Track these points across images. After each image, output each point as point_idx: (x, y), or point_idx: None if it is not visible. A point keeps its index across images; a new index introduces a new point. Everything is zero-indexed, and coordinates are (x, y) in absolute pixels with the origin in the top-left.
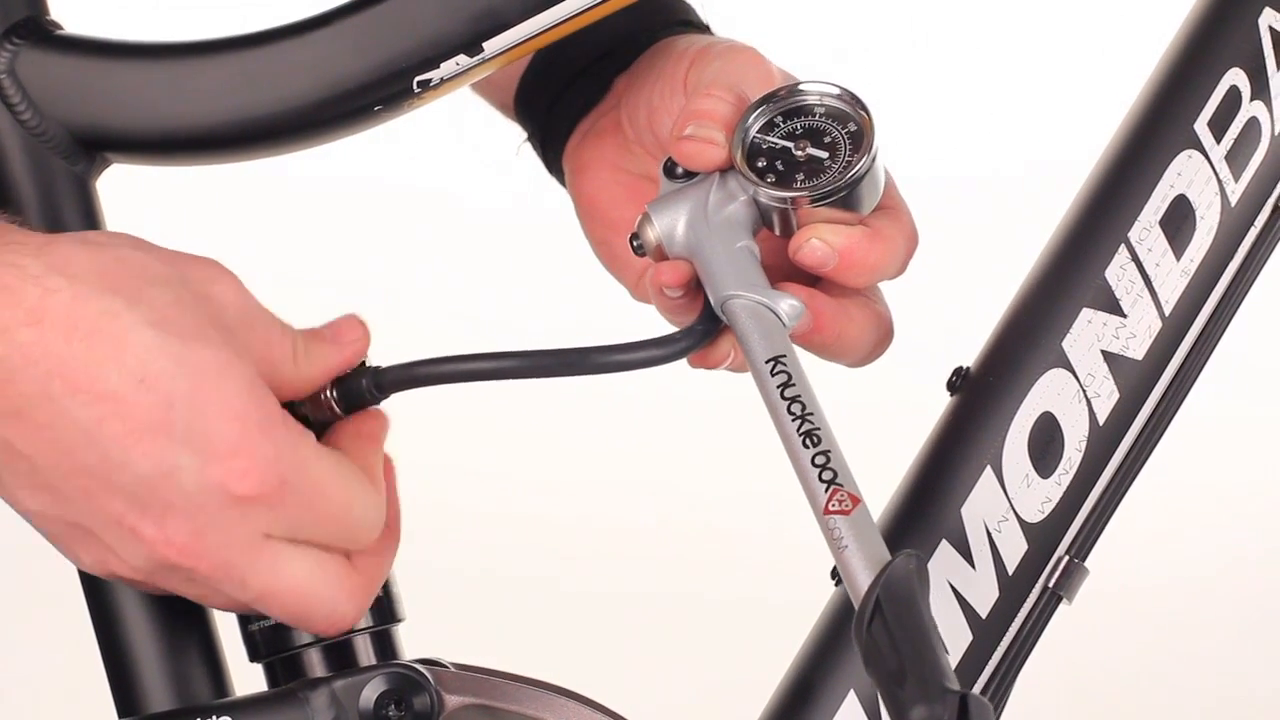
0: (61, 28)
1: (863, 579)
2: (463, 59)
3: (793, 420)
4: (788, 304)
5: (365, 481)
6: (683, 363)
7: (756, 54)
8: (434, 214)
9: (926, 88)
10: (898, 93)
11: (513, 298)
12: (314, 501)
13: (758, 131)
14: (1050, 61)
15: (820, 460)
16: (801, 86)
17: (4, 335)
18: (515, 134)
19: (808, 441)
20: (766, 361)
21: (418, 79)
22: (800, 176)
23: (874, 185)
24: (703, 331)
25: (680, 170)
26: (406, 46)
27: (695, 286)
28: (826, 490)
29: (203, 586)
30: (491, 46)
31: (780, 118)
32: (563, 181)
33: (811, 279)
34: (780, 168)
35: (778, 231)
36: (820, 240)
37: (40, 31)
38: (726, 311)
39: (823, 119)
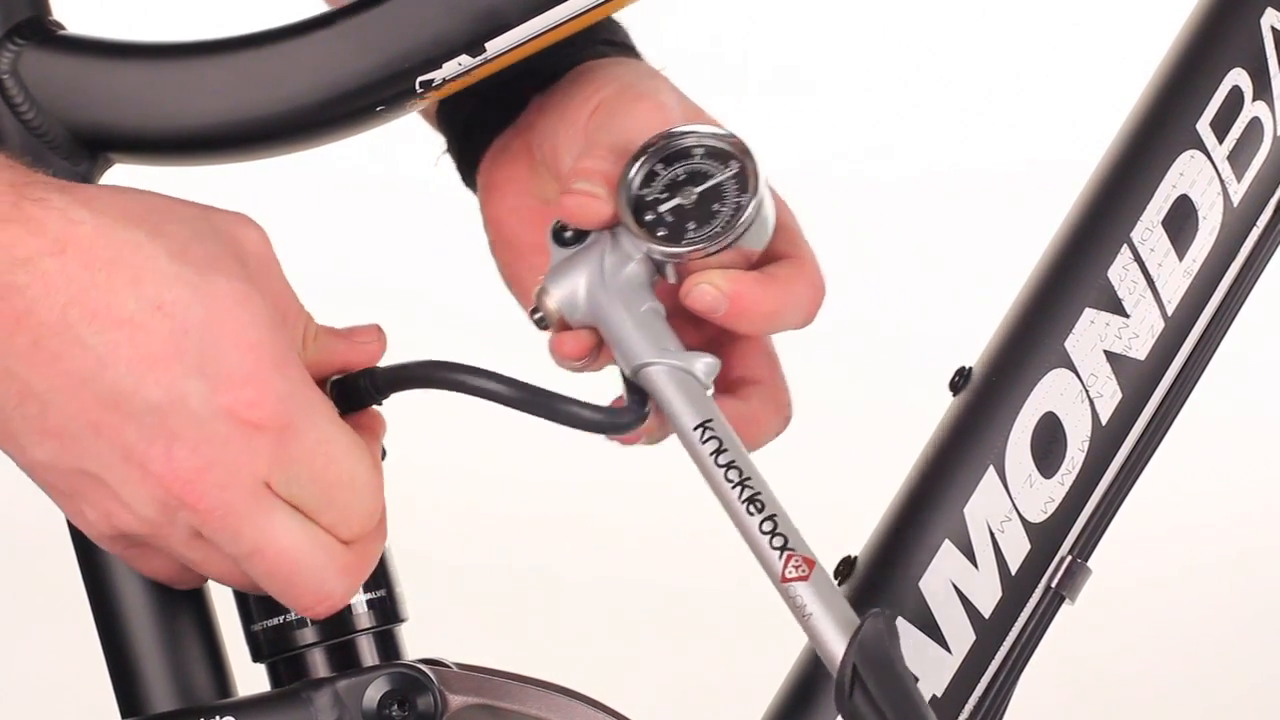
0: (64, 28)
1: (835, 645)
2: (465, 59)
3: (732, 487)
4: (703, 363)
5: (373, 463)
6: None
7: (660, 103)
8: (442, 212)
9: (929, 87)
10: (902, 92)
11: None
12: (317, 458)
13: (640, 185)
14: (1053, 61)
15: (768, 527)
16: (676, 130)
17: (28, 264)
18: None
19: (751, 508)
20: (695, 428)
21: (420, 79)
22: (691, 225)
23: (762, 225)
24: (640, 403)
25: (569, 234)
26: (409, 47)
27: (598, 351)
28: (781, 557)
29: (200, 547)
30: (494, 47)
31: (660, 166)
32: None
33: (712, 336)
34: (670, 219)
35: (671, 280)
36: (710, 285)
37: (43, 32)
38: (642, 379)
39: (703, 160)
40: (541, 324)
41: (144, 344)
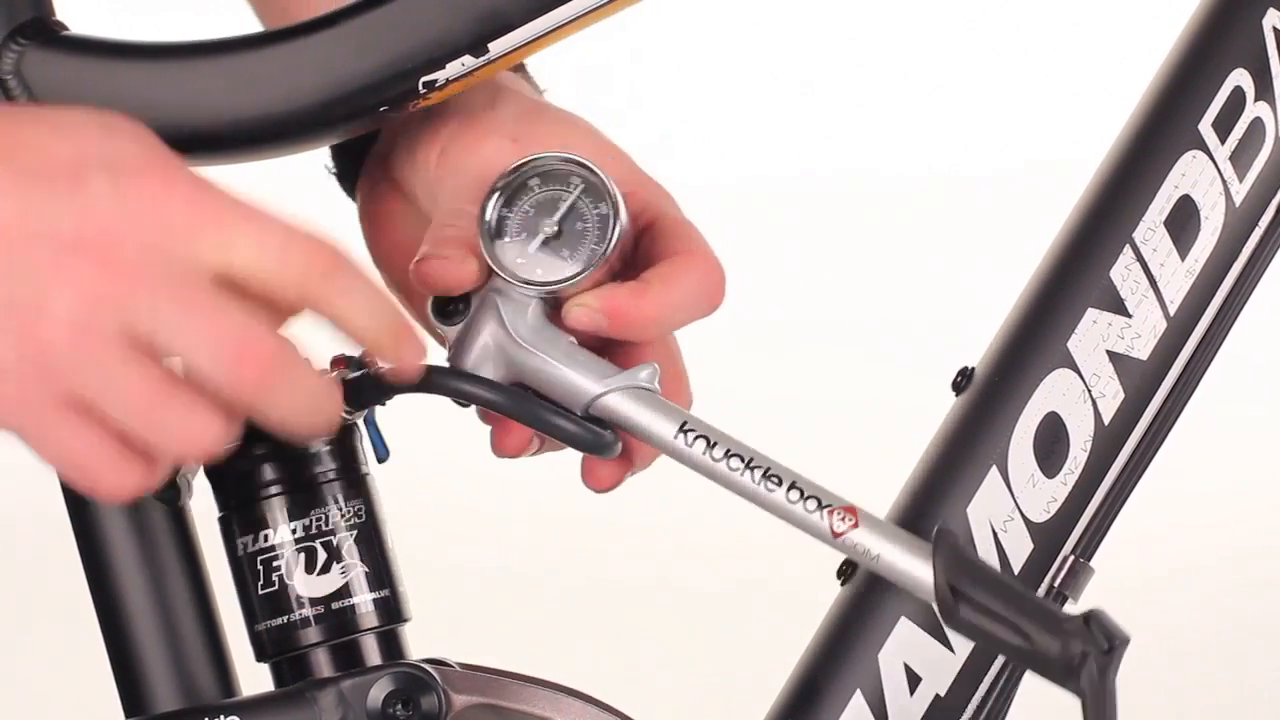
0: (67, 29)
1: (919, 572)
2: (468, 60)
3: (742, 472)
4: (646, 373)
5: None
6: (690, 359)
7: (500, 141)
8: None
9: (933, 87)
10: (904, 93)
11: None
12: (236, 205)
13: (497, 234)
14: (1055, 61)
15: (795, 496)
16: (508, 170)
17: None
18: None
19: (770, 483)
20: (676, 435)
21: (423, 79)
22: (565, 253)
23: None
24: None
25: (451, 308)
26: (412, 47)
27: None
28: (823, 516)
29: (133, 360)
30: (497, 47)
31: (505, 210)
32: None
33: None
34: (542, 256)
35: (552, 308)
36: (582, 306)
37: (46, 32)
38: (598, 411)
39: (545, 189)
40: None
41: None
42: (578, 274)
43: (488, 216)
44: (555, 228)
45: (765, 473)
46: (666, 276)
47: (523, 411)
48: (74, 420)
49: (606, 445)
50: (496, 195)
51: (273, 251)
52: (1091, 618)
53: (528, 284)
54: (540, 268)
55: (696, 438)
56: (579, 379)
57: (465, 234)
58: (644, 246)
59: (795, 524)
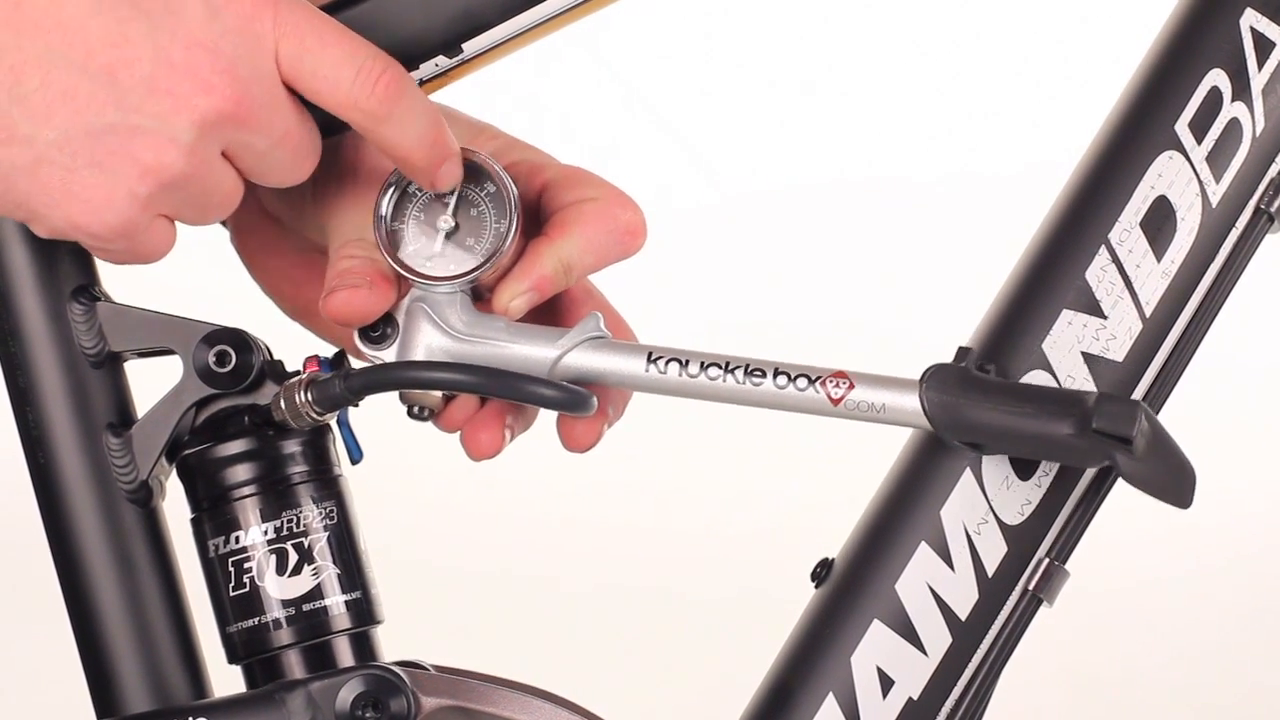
0: None
1: (919, 418)
2: (442, 60)
3: (724, 379)
4: (591, 323)
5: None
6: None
7: (370, 168)
8: None
9: (908, 90)
10: (880, 96)
11: None
12: (314, 23)
13: (399, 247)
14: (1032, 62)
15: (783, 381)
16: (381, 189)
17: None
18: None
19: (755, 378)
20: (647, 368)
21: None
22: (471, 240)
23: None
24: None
25: (377, 333)
26: (385, 47)
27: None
28: (818, 389)
29: (222, 167)
30: (470, 47)
31: (396, 225)
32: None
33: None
34: (450, 250)
35: (476, 296)
36: (514, 296)
37: None
38: (562, 373)
39: (420, 189)
40: (424, 415)
41: None
42: (493, 253)
43: (384, 234)
44: (452, 221)
45: (746, 370)
46: (564, 224)
47: (502, 386)
48: (163, 221)
49: (585, 401)
50: (379, 216)
51: (348, 70)
52: (1103, 397)
53: (451, 279)
54: (453, 262)
55: (668, 362)
56: (533, 350)
57: (365, 263)
58: (546, 205)
59: (793, 408)
